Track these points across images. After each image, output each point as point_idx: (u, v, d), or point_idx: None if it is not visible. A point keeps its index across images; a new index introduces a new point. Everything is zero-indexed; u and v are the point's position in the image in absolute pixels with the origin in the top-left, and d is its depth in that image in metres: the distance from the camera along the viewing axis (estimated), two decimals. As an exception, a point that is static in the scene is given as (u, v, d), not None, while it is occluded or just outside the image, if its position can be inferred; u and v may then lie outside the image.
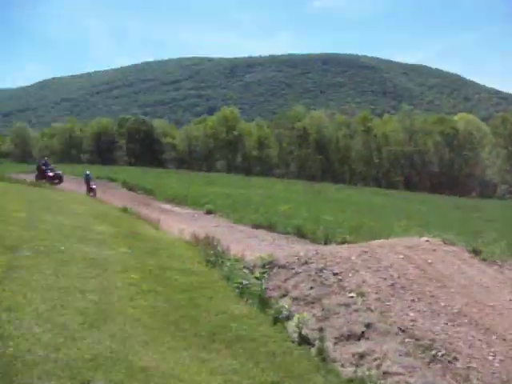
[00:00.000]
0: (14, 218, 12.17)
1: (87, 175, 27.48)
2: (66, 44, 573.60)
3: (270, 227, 17.70)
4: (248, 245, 13.60)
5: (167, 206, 24.29)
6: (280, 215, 20.37)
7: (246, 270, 9.23)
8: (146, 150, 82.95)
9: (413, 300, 7.37)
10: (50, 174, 30.40)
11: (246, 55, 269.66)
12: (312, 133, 75.44)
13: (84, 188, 27.21)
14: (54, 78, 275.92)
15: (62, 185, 29.54)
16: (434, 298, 7.52)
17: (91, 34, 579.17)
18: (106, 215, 16.88)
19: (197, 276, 8.95)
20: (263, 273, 8.73)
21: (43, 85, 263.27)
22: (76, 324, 5.68)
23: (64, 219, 13.74)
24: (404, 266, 8.64)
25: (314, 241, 15.38)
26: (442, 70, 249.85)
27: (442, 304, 7.33)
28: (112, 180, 36.63)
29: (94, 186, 26.78)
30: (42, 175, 30.33)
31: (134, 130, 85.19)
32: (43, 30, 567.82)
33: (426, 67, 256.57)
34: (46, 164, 31.48)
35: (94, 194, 25.98)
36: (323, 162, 74.61)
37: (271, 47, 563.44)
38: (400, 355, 6.00)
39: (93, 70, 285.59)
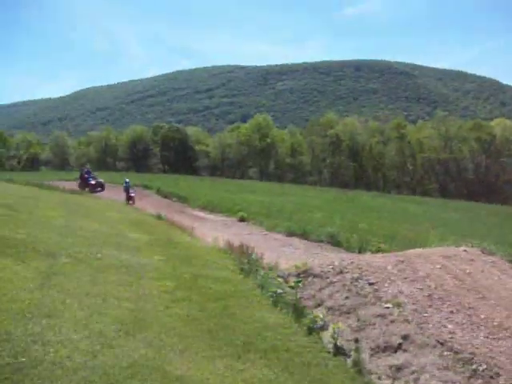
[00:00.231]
0: (53, 225, 12.45)
1: (127, 183, 27.82)
2: (102, 54, 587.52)
3: (304, 235, 17.59)
4: (282, 253, 13.55)
5: (201, 214, 24.43)
6: (314, 223, 20.23)
7: (280, 279, 9.18)
8: (180, 157, 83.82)
9: (451, 311, 7.19)
10: (92, 182, 31.33)
11: (279, 63, 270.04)
12: (345, 140, 75.05)
13: (119, 195, 27.55)
14: (90, 88, 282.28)
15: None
16: (473, 309, 7.33)
17: (126, 43, 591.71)
18: (141, 223, 17.10)
19: (231, 284, 8.94)
20: (297, 282, 8.67)
21: (80, 94, 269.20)
22: (112, 331, 5.74)
23: (100, 226, 14.00)
24: (441, 277, 8.46)
25: (348, 249, 15.22)
26: (477, 75, 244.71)
27: (482, 316, 7.13)
28: (147, 187, 37.06)
29: (132, 194, 27.12)
30: (84, 183, 31.23)
31: (168, 138, 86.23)
32: (80, 41, 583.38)
33: (461, 72, 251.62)
34: (88, 172, 32.53)
35: (133, 202, 26.32)
36: (356, 170, 74.07)
37: (304, 54, 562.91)
38: (438, 369, 5.86)
39: (127, 80, 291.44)
